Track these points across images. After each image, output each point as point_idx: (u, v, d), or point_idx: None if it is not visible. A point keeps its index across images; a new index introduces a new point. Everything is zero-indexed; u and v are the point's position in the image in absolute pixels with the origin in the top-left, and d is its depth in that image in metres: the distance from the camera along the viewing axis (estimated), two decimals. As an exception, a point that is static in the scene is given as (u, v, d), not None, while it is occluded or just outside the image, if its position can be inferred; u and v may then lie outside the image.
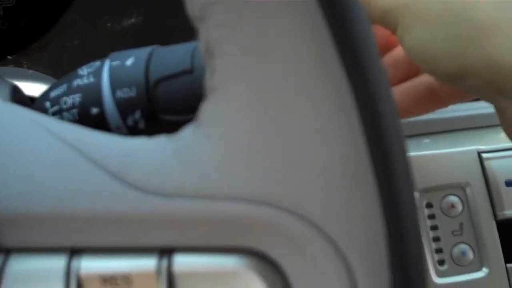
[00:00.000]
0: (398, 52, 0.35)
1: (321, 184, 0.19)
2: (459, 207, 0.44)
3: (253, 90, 0.19)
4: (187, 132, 0.21)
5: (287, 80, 0.19)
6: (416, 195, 0.43)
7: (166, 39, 0.37)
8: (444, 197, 0.44)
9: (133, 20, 0.46)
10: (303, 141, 0.19)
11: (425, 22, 0.26)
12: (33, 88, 0.47)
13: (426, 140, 0.48)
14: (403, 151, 0.18)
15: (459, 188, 0.44)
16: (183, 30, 0.51)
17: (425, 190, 0.44)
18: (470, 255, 0.43)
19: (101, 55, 0.49)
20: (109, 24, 0.47)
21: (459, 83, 0.26)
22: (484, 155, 0.45)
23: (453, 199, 0.44)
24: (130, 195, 0.20)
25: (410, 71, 0.35)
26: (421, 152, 0.45)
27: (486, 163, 0.44)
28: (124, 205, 0.20)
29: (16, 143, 0.21)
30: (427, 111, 0.35)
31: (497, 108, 0.28)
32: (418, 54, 0.27)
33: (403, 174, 0.18)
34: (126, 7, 0.47)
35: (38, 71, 0.48)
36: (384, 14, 0.28)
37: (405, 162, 0.18)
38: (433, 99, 0.34)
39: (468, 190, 0.44)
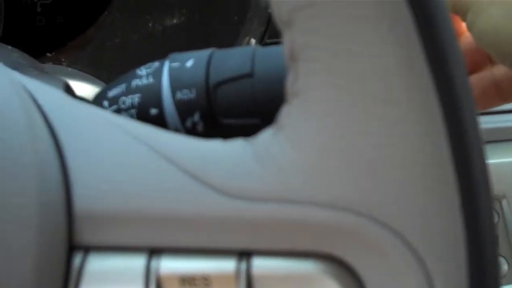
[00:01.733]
0: (462, 42, 0.35)
1: (403, 191, 0.19)
2: (495, 219, 0.44)
3: (338, 97, 0.19)
4: (266, 136, 0.21)
5: (374, 88, 0.19)
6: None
7: (208, 41, 0.37)
8: (480, 208, 0.44)
9: (175, 20, 0.46)
10: (387, 148, 0.19)
11: (500, 5, 0.26)
12: (72, 86, 0.48)
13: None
14: (483, 158, 0.18)
15: (495, 200, 0.44)
16: (225, 32, 0.51)
17: (462, 201, 0.44)
18: (505, 267, 0.43)
19: (142, 55, 0.49)
20: (150, 24, 0.47)
21: None
22: (521, 168, 0.45)
23: (489, 210, 0.44)
24: (210, 197, 0.20)
25: (474, 63, 0.35)
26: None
27: (523, 175, 0.45)
28: (203, 207, 0.20)
29: (97, 144, 0.21)
30: (493, 105, 0.35)
31: None
32: (491, 39, 0.27)
33: (483, 181, 0.18)
34: (168, 8, 0.47)
35: (77, 69, 0.48)
36: (454, 0, 0.28)
37: (485, 169, 0.18)
38: (499, 93, 0.34)
39: (504, 202, 0.44)
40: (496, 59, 0.28)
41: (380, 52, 0.19)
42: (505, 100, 0.34)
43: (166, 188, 0.20)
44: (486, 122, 0.47)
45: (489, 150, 0.47)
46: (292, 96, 0.21)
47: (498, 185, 0.44)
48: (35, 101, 0.22)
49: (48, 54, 0.50)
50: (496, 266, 0.19)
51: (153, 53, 0.36)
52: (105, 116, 0.22)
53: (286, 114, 0.21)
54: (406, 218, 0.19)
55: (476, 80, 0.34)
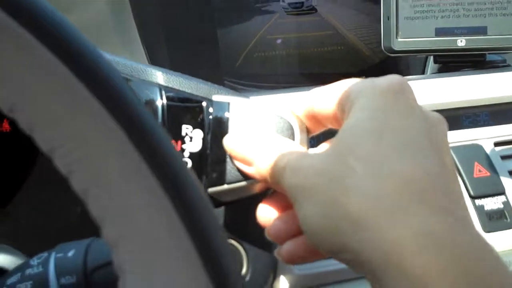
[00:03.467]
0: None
1: None
2: None
3: None
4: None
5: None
6: None
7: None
8: None
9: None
10: None
11: (311, 206, 0.33)
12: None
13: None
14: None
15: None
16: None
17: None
18: None
19: (55, 230, 0.56)
20: (63, 204, 0.55)
21: (337, 257, 0.33)
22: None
23: None
24: None
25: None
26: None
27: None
28: None
29: None
30: (321, 258, 0.40)
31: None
32: (306, 230, 0.34)
33: None
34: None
35: (-1, 242, 0.55)
36: (288, 191, 0.35)
37: None
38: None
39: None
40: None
41: (176, 269, 0.26)
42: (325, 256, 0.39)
43: None
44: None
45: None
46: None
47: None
48: None
49: (-29, 230, 0.56)
50: None
51: (65, 232, 0.43)
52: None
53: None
54: None
55: (305, 239, 0.39)
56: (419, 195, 0.30)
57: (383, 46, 0.74)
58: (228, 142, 0.41)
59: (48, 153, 0.26)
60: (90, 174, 0.26)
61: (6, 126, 0.62)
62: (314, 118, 0.41)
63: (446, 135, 0.36)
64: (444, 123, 0.36)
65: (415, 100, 0.35)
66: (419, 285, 0.28)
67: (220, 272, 0.25)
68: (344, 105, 0.36)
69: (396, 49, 0.73)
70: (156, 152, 0.25)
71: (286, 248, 0.40)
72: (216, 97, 0.44)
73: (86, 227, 0.43)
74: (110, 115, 0.24)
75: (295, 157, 0.36)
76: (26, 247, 0.54)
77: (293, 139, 0.42)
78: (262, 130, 0.41)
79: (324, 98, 0.38)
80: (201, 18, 0.81)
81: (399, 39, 0.73)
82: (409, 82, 0.35)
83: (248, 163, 0.39)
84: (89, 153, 0.25)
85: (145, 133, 0.25)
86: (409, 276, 0.28)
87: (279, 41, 0.87)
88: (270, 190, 0.43)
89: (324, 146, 0.42)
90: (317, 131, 0.43)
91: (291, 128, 0.42)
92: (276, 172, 0.36)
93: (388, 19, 0.73)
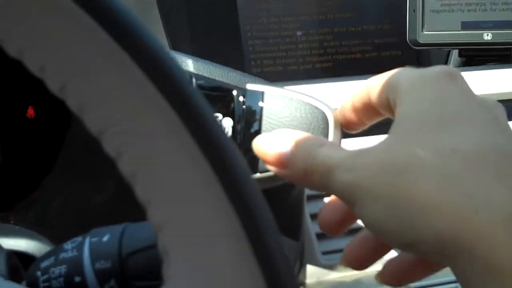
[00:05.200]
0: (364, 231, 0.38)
1: None
2: None
3: (195, 283, 0.27)
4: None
5: (215, 275, 0.26)
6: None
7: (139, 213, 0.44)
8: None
9: (112, 190, 0.53)
10: None
11: (378, 203, 0.31)
12: (19, 243, 0.54)
13: None
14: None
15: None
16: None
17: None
18: None
19: (81, 216, 0.56)
20: (88, 192, 0.55)
21: (413, 250, 0.32)
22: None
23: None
24: None
25: (379, 247, 0.38)
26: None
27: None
28: None
29: None
30: (424, 276, 0.37)
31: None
32: (375, 229, 0.32)
33: None
34: (104, 178, 0.54)
35: (24, 227, 0.55)
36: (342, 192, 0.32)
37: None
38: (426, 265, 0.37)
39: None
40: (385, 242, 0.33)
41: (222, 252, 0.26)
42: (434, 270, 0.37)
43: None
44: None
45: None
46: (167, 279, 0.28)
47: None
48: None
49: (-2, 214, 0.56)
50: None
51: (90, 218, 0.43)
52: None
53: (164, 293, 0.28)
54: None
55: (398, 261, 0.37)
56: (497, 171, 0.28)
57: (408, 39, 0.73)
58: (259, 144, 0.37)
59: (97, 134, 0.26)
60: (139, 157, 0.26)
61: (31, 112, 0.62)
62: (370, 106, 0.38)
63: (506, 119, 0.33)
64: (502, 108, 0.34)
65: (468, 87, 0.33)
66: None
67: (270, 257, 0.25)
68: (395, 96, 0.34)
69: (421, 42, 0.73)
70: (211, 139, 0.24)
71: (350, 254, 0.38)
72: (250, 86, 0.43)
73: (110, 215, 0.43)
74: (165, 99, 0.24)
75: (347, 156, 0.33)
76: (52, 233, 0.54)
77: (327, 131, 0.41)
78: (294, 130, 0.40)
79: (377, 86, 0.36)
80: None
81: (425, 32, 0.73)
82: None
83: (282, 166, 0.36)
84: (140, 135, 0.25)
85: (199, 118, 0.24)
86: (499, 273, 0.26)
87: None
88: None
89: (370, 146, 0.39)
90: (372, 121, 0.40)
91: (325, 119, 0.41)
92: (321, 173, 0.33)
93: (414, 11, 0.73)
